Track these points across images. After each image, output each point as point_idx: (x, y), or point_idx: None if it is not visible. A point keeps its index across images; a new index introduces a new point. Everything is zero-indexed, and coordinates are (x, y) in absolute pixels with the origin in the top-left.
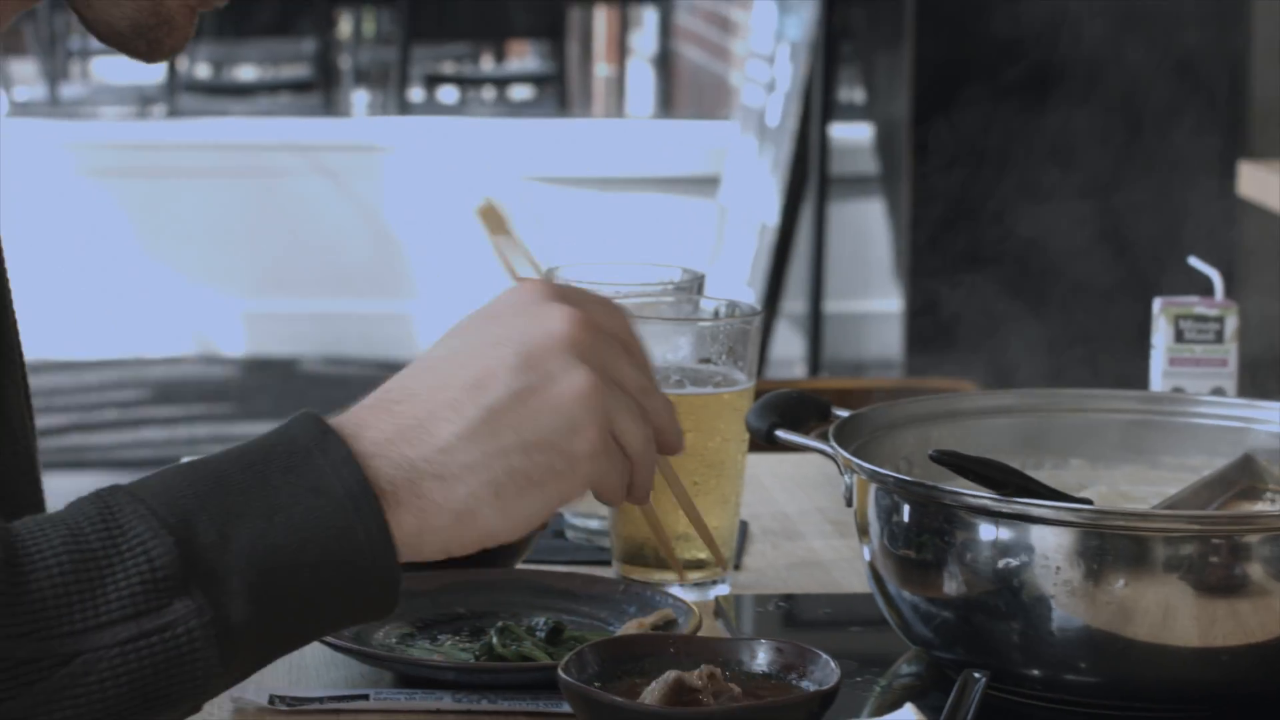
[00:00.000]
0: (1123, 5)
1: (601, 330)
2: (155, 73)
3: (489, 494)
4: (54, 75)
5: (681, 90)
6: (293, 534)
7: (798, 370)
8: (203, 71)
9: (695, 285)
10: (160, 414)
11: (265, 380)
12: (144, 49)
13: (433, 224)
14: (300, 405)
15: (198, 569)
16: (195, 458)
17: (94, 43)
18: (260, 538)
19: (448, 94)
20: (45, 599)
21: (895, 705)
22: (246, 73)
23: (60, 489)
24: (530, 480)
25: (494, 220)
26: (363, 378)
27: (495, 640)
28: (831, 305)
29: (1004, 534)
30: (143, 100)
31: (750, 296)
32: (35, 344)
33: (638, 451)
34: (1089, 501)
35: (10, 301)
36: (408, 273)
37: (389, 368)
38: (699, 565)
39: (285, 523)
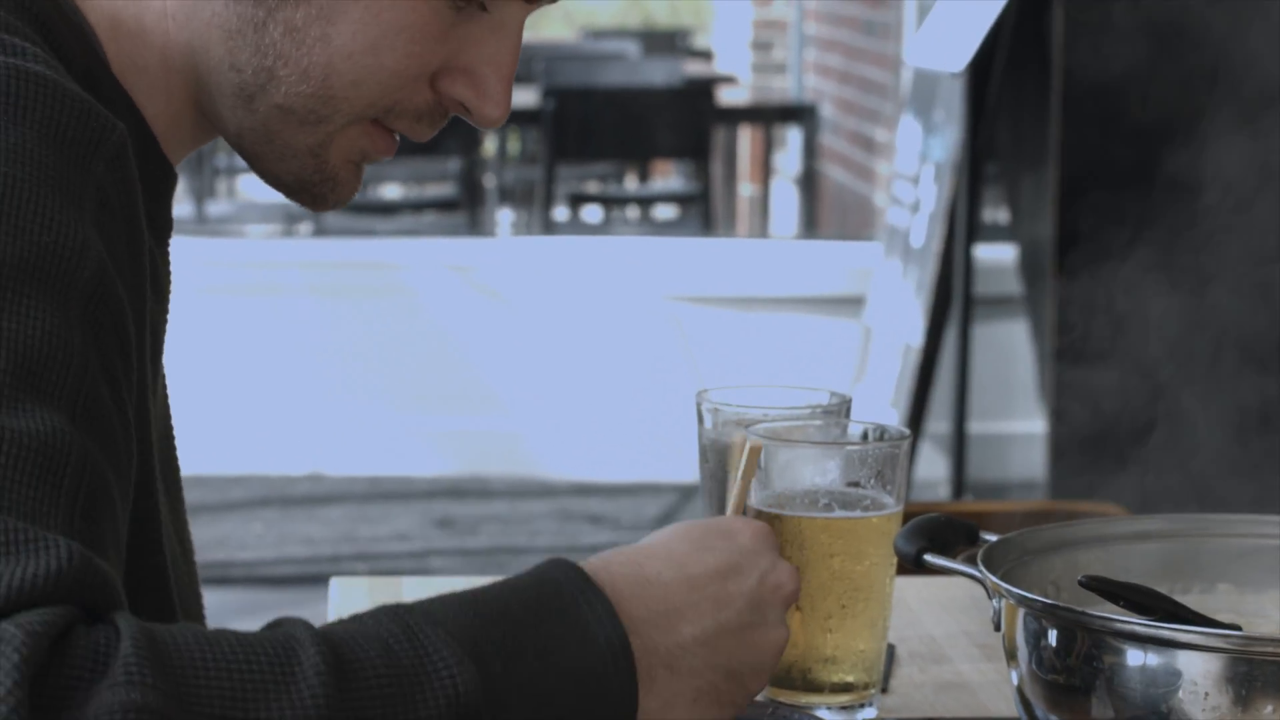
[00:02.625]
0: (1270, 129)
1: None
2: None
3: (690, 698)
4: (201, 193)
5: (826, 210)
6: (561, 678)
7: (941, 491)
8: None
9: (843, 409)
10: (304, 531)
11: (408, 497)
12: (309, 201)
13: (577, 343)
14: (441, 522)
15: (490, 700)
16: (469, 589)
17: (240, 161)
18: (537, 678)
19: (592, 213)
20: (370, 706)
21: None
22: (392, 191)
23: (207, 605)
24: (718, 700)
25: (753, 460)
26: (503, 495)
27: None
28: (975, 426)
29: (1152, 659)
30: (288, 218)
31: (894, 417)
32: (181, 459)
33: None
34: (1237, 627)
35: (170, 420)
36: (550, 392)
37: (529, 485)
38: (846, 689)
39: (555, 666)
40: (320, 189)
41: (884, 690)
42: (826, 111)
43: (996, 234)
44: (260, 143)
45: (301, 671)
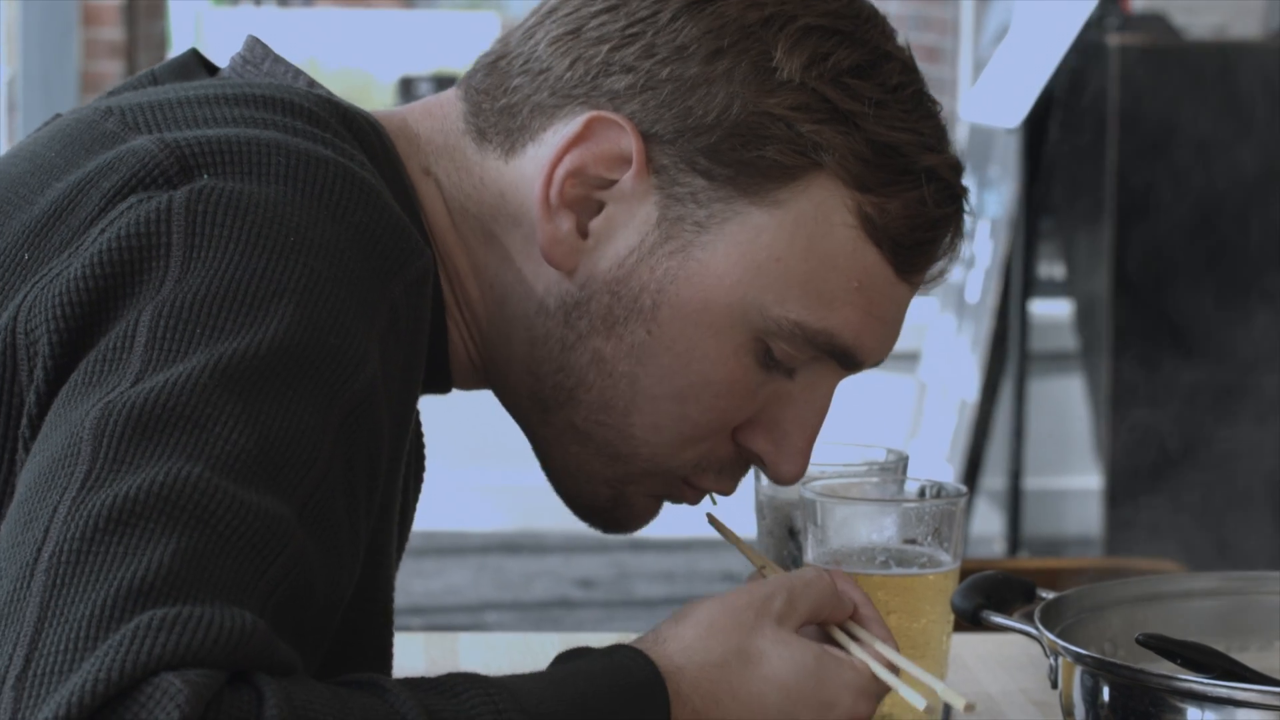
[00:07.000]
0: None
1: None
2: None
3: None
4: None
5: None
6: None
7: (997, 547)
8: None
9: (900, 466)
10: None
11: (462, 552)
12: (601, 525)
13: None
14: (497, 579)
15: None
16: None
17: None
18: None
19: None
20: None
21: None
22: None
23: None
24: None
25: None
26: (558, 550)
27: None
28: (1031, 481)
29: (1210, 717)
30: None
31: (949, 473)
32: None
33: None
34: None
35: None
36: None
37: (584, 540)
38: None
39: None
40: (615, 514)
41: None
42: None
43: (1052, 289)
44: (561, 470)
45: None
